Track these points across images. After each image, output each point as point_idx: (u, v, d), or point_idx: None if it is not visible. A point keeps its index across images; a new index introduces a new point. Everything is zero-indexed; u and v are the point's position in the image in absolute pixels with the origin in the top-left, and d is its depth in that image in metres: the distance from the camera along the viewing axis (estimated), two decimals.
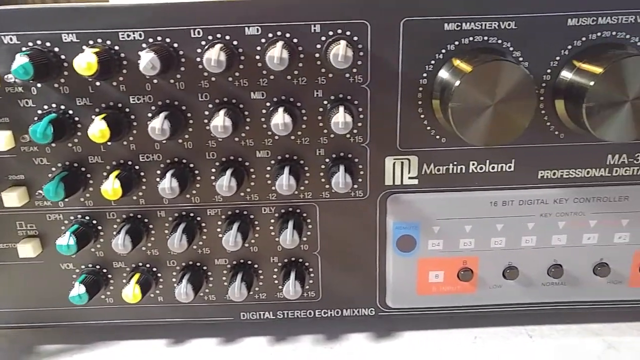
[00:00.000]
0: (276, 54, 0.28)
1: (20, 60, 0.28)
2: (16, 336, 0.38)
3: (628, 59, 0.27)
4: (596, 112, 0.28)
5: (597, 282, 0.35)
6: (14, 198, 0.32)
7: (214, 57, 0.28)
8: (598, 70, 0.28)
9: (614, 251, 0.35)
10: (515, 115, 0.28)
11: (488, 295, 0.36)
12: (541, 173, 0.33)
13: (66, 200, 0.32)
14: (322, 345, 0.37)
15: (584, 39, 0.30)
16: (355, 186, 0.33)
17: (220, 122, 0.29)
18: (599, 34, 0.29)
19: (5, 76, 0.30)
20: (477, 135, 0.28)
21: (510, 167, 0.33)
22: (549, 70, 0.30)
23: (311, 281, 0.36)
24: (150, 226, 0.34)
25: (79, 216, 0.34)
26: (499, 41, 0.30)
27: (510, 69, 0.27)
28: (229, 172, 0.31)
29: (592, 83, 0.27)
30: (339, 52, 0.27)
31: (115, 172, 0.31)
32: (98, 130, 0.29)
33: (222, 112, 0.29)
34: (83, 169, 0.33)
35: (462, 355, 0.35)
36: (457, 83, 0.27)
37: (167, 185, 0.30)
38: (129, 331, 0.38)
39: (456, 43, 0.30)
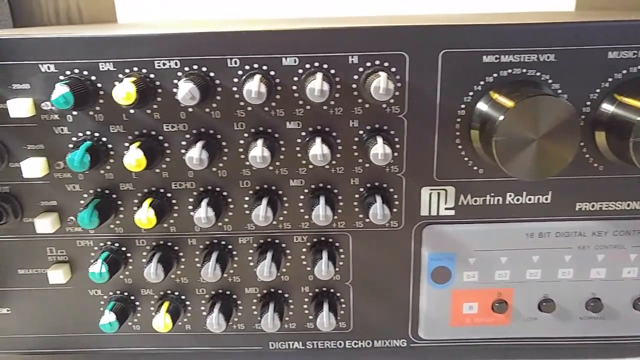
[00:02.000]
0: (317, 86, 0.27)
1: (61, 89, 0.28)
2: None
3: None
4: None
5: (637, 317, 0.34)
6: (47, 224, 0.32)
7: (254, 88, 0.27)
8: None
9: None
10: (559, 149, 0.27)
11: (523, 328, 0.35)
12: (579, 205, 0.32)
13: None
14: None
15: (624, 71, 0.29)
16: (390, 216, 0.33)
17: (259, 153, 0.29)
18: (639, 67, 0.29)
19: (42, 104, 0.30)
20: (521, 169, 0.27)
21: (547, 198, 0.32)
22: (588, 103, 0.30)
23: (342, 312, 0.35)
24: (181, 254, 0.34)
25: (109, 243, 0.34)
26: (538, 73, 0.29)
27: (555, 103, 0.27)
28: (264, 201, 0.31)
29: (639, 118, 0.27)
30: (380, 84, 0.27)
31: (149, 201, 0.31)
32: (134, 159, 0.29)
33: (259, 142, 0.29)
34: (114, 195, 0.32)
35: None
36: (501, 117, 0.27)
37: (203, 214, 0.30)
38: (155, 358, 0.37)
39: (495, 75, 0.29)
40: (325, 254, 0.32)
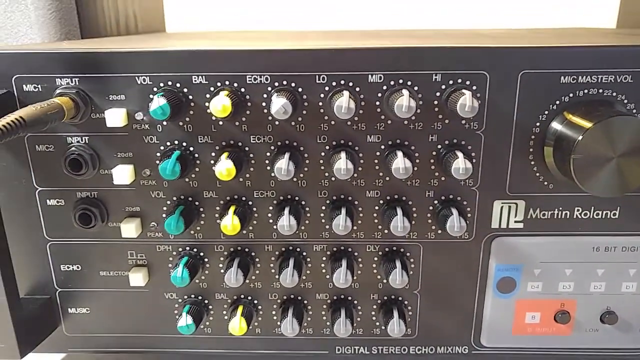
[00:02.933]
0: (404, 103, 0.29)
1: (159, 101, 0.29)
2: None
3: None
4: None
5: None
6: (131, 229, 0.34)
7: (345, 104, 0.29)
8: None
9: None
10: (636, 168, 0.29)
11: (584, 339, 0.36)
12: None
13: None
14: None
15: None
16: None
17: (343, 165, 0.30)
18: None
19: (136, 114, 0.32)
20: (599, 186, 0.29)
21: (615, 214, 0.33)
22: None
23: (409, 319, 0.36)
24: (257, 259, 0.35)
25: (187, 248, 0.35)
26: (614, 94, 0.31)
27: (632, 123, 0.28)
28: (343, 211, 0.32)
29: None
30: (467, 102, 0.28)
31: (233, 208, 0.32)
32: (225, 168, 0.30)
33: (343, 154, 0.30)
34: (197, 203, 0.34)
35: None
36: (580, 137, 0.28)
37: (286, 222, 0.31)
38: None
39: (571, 95, 0.31)
40: (398, 263, 0.33)
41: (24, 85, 0.31)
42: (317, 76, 0.31)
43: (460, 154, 0.30)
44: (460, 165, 0.30)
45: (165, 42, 0.36)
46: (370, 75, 0.31)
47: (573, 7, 0.80)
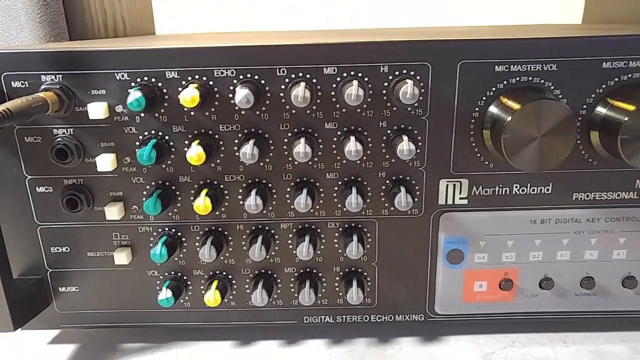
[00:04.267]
0: (353, 92, 0.32)
1: (135, 94, 0.33)
2: (97, 335, 0.43)
3: None
4: (630, 143, 0.32)
5: (626, 294, 0.40)
6: (114, 212, 0.37)
7: (300, 94, 0.32)
8: (631, 107, 0.32)
9: None
10: (557, 146, 0.32)
11: (526, 304, 0.40)
12: (575, 195, 0.37)
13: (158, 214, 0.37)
14: (375, 347, 0.41)
15: (616, 79, 0.34)
16: (412, 205, 0.38)
17: (302, 149, 0.34)
18: (630, 75, 0.34)
19: (116, 107, 0.35)
20: (525, 162, 0.32)
21: (548, 189, 0.37)
22: (585, 106, 0.35)
23: (368, 289, 0.40)
24: (230, 238, 0.39)
25: (167, 229, 0.39)
26: (542, 81, 0.34)
27: (555, 106, 0.32)
28: (305, 191, 0.36)
29: (626, 118, 0.32)
30: (408, 90, 0.32)
31: (205, 190, 0.36)
32: (195, 154, 0.34)
33: (302, 140, 0.34)
34: (173, 187, 0.37)
35: (505, 357, 0.39)
36: (509, 118, 0.32)
37: (253, 202, 0.35)
38: (202, 333, 0.42)
39: (505, 82, 0.34)
40: (355, 237, 0.37)
41: (12, 82, 0.34)
42: (277, 69, 0.34)
43: (405, 137, 0.34)
44: (404, 147, 0.34)
45: (147, 43, 0.40)
46: (325, 68, 0.34)
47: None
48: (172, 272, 0.40)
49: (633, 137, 0.32)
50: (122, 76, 0.34)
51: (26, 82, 0.34)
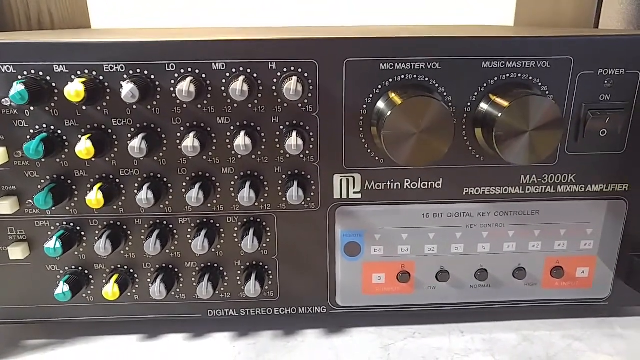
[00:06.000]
0: (238, 87, 0.33)
1: (18, 87, 0.33)
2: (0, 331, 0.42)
3: (530, 96, 0.33)
4: (503, 139, 0.33)
5: (516, 284, 0.41)
6: (6, 206, 0.37)
7: (185, 88, 0.33)
8: (505, 104, 0.33)
9: (529, 257, 0.40)
10: (436, 142, 0.33)
11: (424, 296, 0.41)
12: (466, 190, 0.39)
13: (53, 208, 0.37)
14: (279, 340, 0.41)
15: (496, 78, 0.36)
16: (308, 199, 0.38)
17: (190, 143, 0.34)
18: (507, 75, 0.35)
19: (3, 100, 0.35)
20: (404, 157, 0.33)
21: (439, 184, 0.38)
22: (469, 104, 0.36)
23: (270, 282, 0.41)
24: (129, 232, 0.39)
25: (64, 223, 0.38)
26: (427, 79, 0.36)
27: (432, 104, 0.33)
28: (197, 186, 0.36)
29: (499, 115, 0.33)
30: (291, 86, 0.33)
31: (98, 185, 0.36)
32: (84, 148, 0.34)
33: (191, 134, 0.34)
34: (69, 181, 0.37)
35: (403, 348, 0.40)
36: (389, 114, 0.33)
37: (144, 196, 0.35)
38: (107, 327, 0.42)
39: (390, 80, 0.35)
40: (251, 231, 0.38)
41: None
42: (166, 65, 0.34)
43: (294, 133, 0.35)
44: (292, 142, 0.34)
45: (43, 37, 0.39)
46: (214, 64, 0.35)
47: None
48: (73, 267, 0.40)
49: (506, 133, 0.33)
50: (8, 69, 0.34)
51: None
